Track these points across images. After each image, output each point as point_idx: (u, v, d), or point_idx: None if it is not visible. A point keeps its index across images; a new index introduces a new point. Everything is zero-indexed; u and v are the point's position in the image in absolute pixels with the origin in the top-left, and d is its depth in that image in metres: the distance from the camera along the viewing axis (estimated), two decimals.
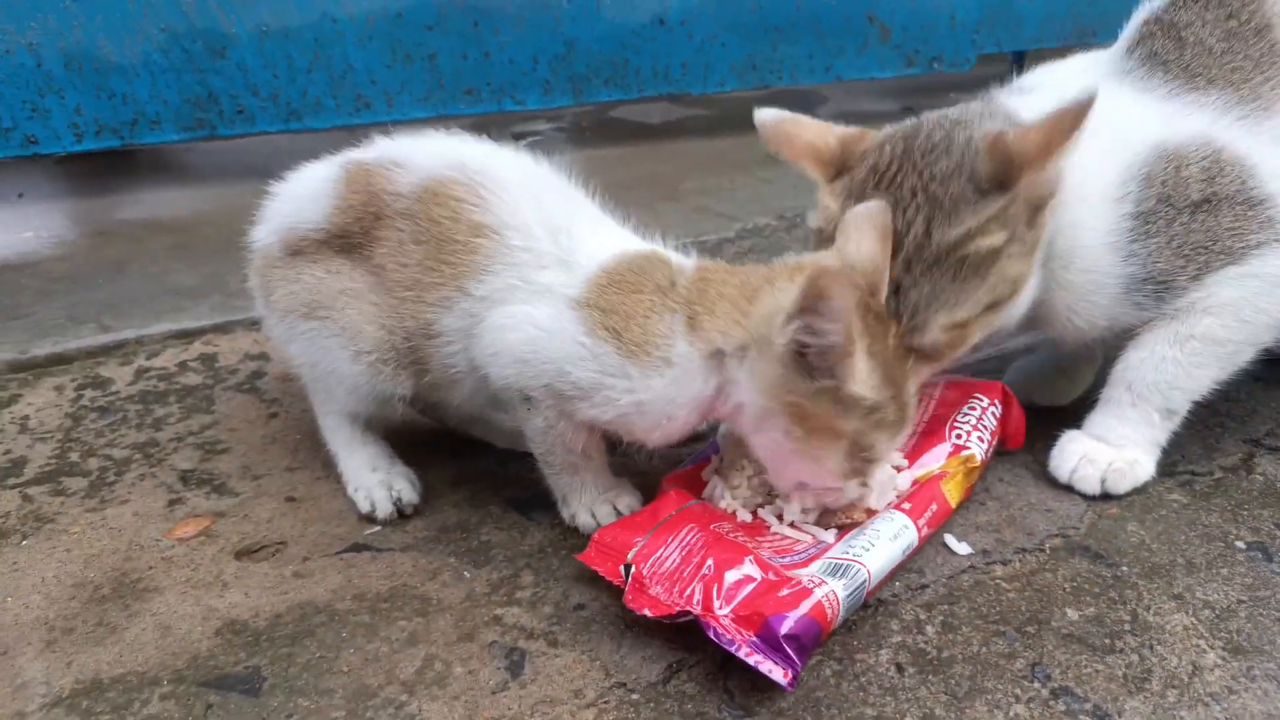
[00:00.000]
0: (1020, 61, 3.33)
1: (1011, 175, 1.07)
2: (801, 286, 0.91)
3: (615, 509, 1.16)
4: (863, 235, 1.06)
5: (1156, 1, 1.28)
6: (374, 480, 1.23)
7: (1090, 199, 1.15)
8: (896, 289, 1.09)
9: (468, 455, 1.35)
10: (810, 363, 0.95)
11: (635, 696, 0.95)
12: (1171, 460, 1.28)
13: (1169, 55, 1.22)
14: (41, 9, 2.01)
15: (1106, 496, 1.23)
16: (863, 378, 0.96)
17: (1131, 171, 1.15)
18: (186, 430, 1.41)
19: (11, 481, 1.29)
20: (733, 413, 1.05)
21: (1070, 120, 1.03)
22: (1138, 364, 1.21)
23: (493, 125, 2.84)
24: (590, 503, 1.17)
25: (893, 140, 1.15)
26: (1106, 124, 1.10)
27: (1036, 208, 1.10)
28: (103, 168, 2.44)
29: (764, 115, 1.21)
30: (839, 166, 1.19)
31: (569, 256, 1.09)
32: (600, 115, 3.12)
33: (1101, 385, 1.28)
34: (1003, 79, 1.33)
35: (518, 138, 2.89)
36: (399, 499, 1.22)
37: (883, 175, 1.13)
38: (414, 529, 1.20)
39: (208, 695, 0.96)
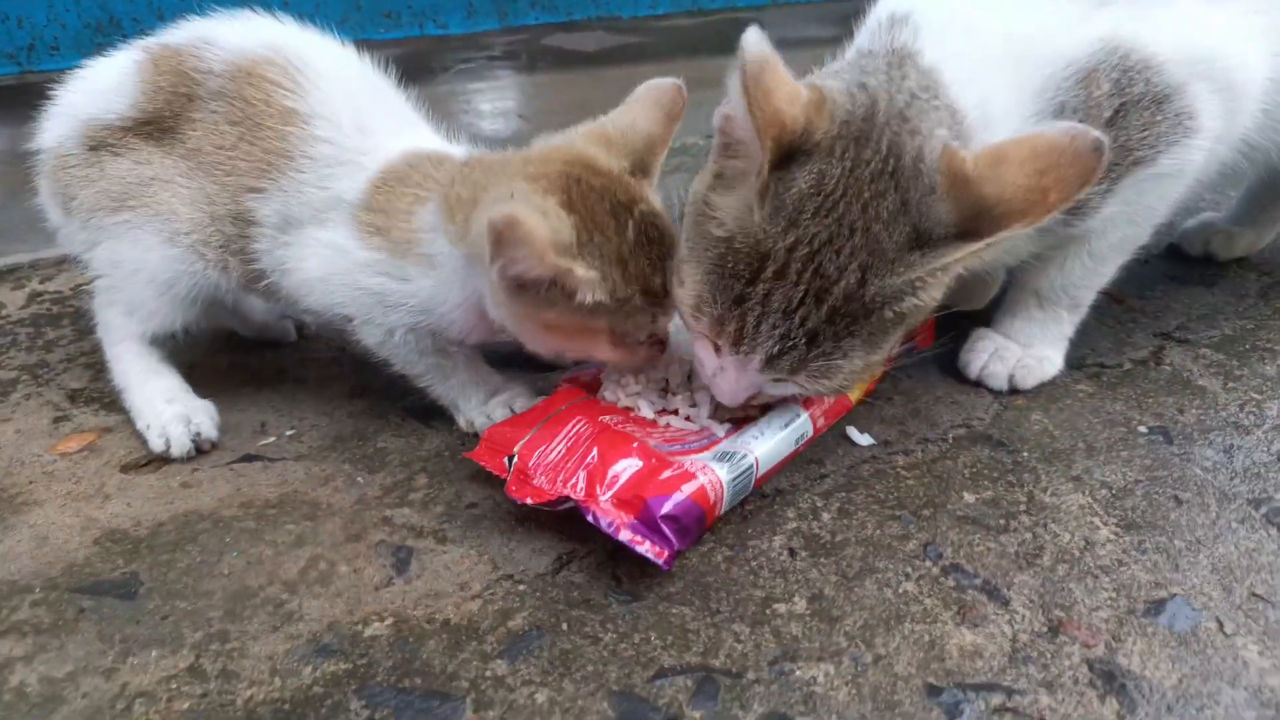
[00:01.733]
0: None
1: (985, 227, 0.85)
2: (489, 230, 0.84)
3: (511, 410, 1.13)
4: (644, 111, 1.01)
5: None
6: (170, 414, 1.14)
7: (999, 134, 0.96)
8: (813, 337, 0.90)
9: (371, 367, 1.32)
10: (535, 288, 0.91)
11: (522, 587, 0.93)
12: (1082, 354, 1.28)
13: None
14: None
15: (1014, 392, 1.23)
16: (594, 284, 0.91)
17: (1043, 101, 1.02)
18: (79, 351, 1.36)
19: None
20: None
21: (1080, 170, 0.82)
22: (1045, 275, 1.19)
23: (421, 54, 2.76)
24: (481, 404, 1.14)
25: (844, 142, 0.90)
26: (1012, 41, 1.01)
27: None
28: None
29: (752, 49, 0.85)
30: (789, 150, 0.89)
31: (362, 157, 1.07)
32: (533, 44, 3.04)
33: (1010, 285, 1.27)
34: None
35: (449, 68, 2.82)
36: (198, 434, 1.13)
37: (826, 197, 0.88)
38: (310, 438, 1.17)
39: (80, 600, 0.92)
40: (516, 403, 1.14)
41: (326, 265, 1.06)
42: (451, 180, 1.01)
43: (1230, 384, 1.23)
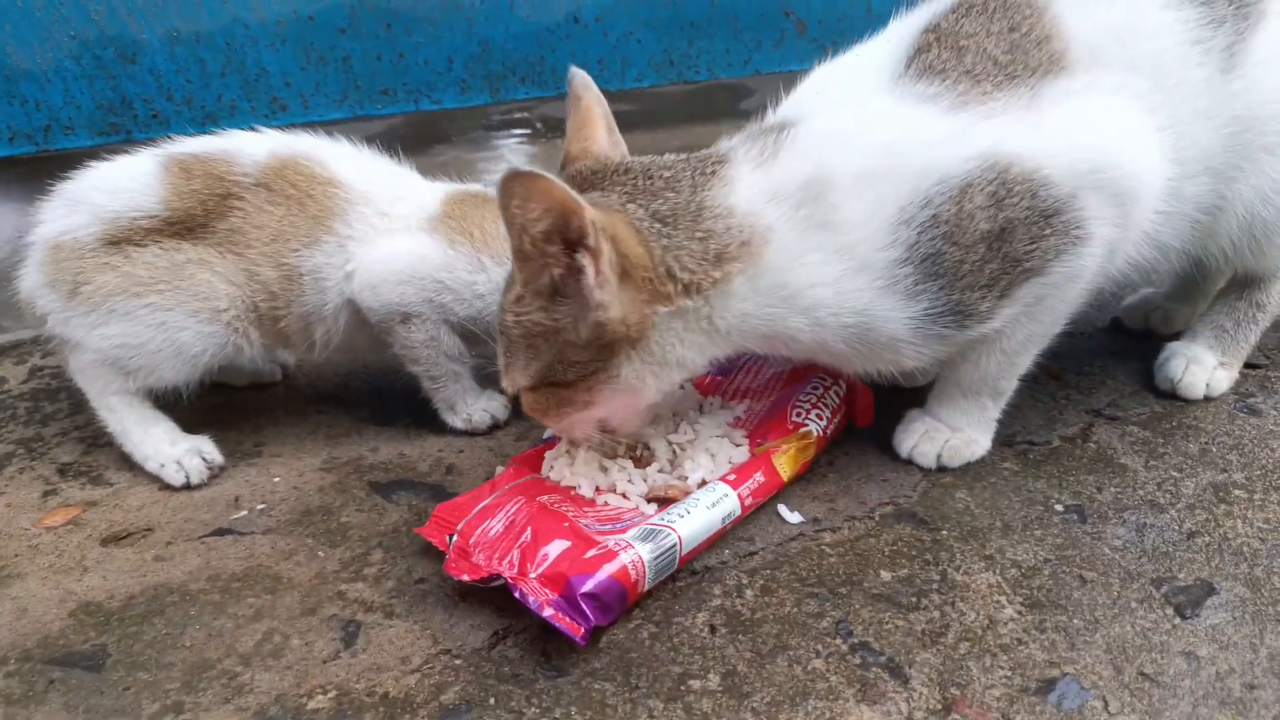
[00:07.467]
0: None
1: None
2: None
3: (503, 406, 1.42)
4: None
5: (934, 7, 1.18)
6: (181, 450, 1.32)
7: (854, 252, 1.06)
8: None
9: (344, 440, 1.40)
10: None
11: (459, 662, 1.00)
12: (1012, 431, 1.34)
13: (947, 64, 1.10)
14: None
15: (943, 470, 1.29)
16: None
17: (907, 214, 1.04)
18: (73, 425, 1.46)
19: None
20: None
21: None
22: (964, 370, 1.24)
23: (412, 128, 2.89)
24: (474, 403, 1.40)
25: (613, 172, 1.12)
26: (877, 158, 1.05)
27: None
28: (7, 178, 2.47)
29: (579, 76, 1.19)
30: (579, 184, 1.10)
31: (404, 195, 1.35)
32: (525, 113, 3.16)
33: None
34: None
35: (444, 139, 2.94)
36: (209, 460, 1.33)
37: None
38: (279, 512, 1.25)
39: (51, 672, 1.00)
40: (494, 404, 1.41)
41: (410, 268, 1.30)
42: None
43: (1152, 462, 1.29)
